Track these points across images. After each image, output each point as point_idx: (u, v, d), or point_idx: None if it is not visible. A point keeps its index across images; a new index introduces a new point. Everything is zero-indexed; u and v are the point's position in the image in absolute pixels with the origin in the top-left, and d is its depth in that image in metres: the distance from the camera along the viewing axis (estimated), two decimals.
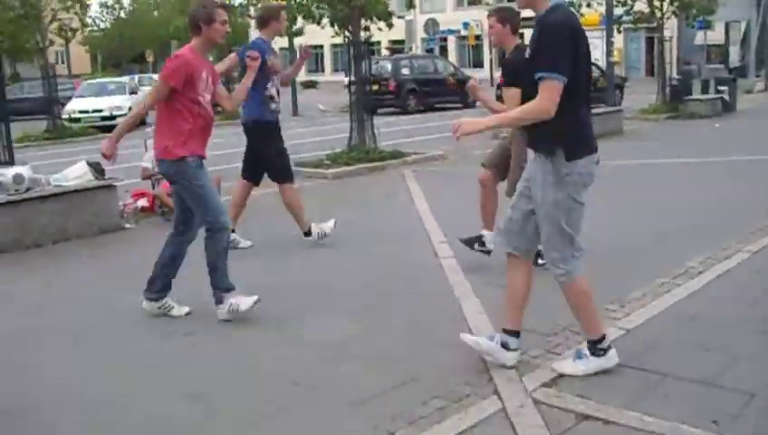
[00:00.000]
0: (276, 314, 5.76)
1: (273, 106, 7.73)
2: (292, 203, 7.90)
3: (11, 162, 9.49)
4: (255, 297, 5.60)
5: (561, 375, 4.37)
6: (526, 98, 4.33)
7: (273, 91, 7.67)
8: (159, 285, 5.83)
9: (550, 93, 4.03)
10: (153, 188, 9.97)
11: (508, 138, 6.83)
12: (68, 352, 5.26)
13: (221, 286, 5.67)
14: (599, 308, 5.15)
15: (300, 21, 14.58)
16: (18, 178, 8.50)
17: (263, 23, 7.76)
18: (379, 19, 14.55)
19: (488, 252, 6.75)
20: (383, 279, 6.61)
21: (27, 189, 8.56)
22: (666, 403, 3.97)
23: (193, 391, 4.50)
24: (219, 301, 5.66)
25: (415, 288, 6.34)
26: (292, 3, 14.88)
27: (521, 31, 6.58)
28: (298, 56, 8.47)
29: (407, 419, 3.96)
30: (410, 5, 15.37)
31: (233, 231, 7.52)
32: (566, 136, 4.18)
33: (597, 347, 4.40)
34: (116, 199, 9.40)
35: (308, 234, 7.91)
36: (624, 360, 4.49)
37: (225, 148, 13.91)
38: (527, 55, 4.33)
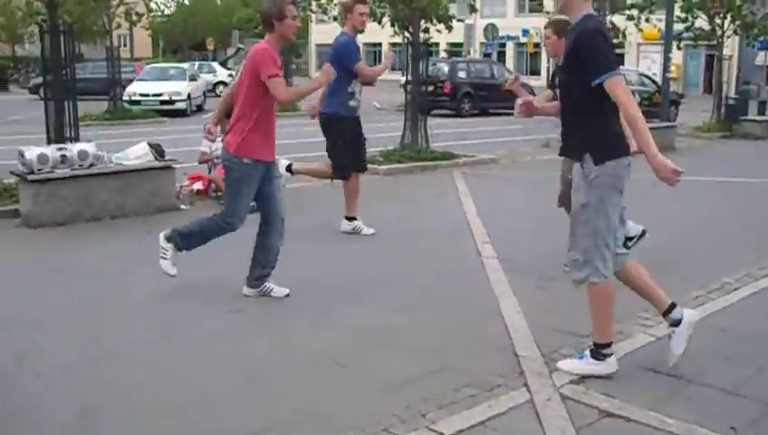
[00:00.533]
0: (321, 301, 6.04)
1: (353, 103, 8.05)
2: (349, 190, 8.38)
3: (76, 138, 9.85)
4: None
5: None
6: (562, 102, 4.56)
7: (355, 88, 8.01)
8: (257, 274, 6.12)
9: (623, 89, 4.23)
10: (209, 172, 10.30)
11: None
12: (125, 322, 5.58)
13: (178, 240, 6.15)
14: (632, 315, 5.38)
15: None
16: (83, 154, 8.88)
17: (343, 15, 8.18)
18: (440, 21, 14.75)
19: None
20: (426, 274, 6.84)
21: (90, 165, 8.94)
22: (687, 407, 4.14)
23: (236, 366, 4.77)
24: (167, 239, 6.17)
25: (456, 284, 6.55)
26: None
27: None
28: (383, 58, 8.75)
29: (438, 402, 4.20)
30: (473, 9, 15.54)
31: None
32: (593, 141, 4.40)
33: (600, 351, 4.57)
34: (173, 181, 9.76)
35: (350, 219, 8.32)
36: (652, 365, 4.70)
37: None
38: (562, 61, 4.54)
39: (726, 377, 4.49)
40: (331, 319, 5.63)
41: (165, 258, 6.17)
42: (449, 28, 15.23)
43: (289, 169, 8.54)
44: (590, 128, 4.42)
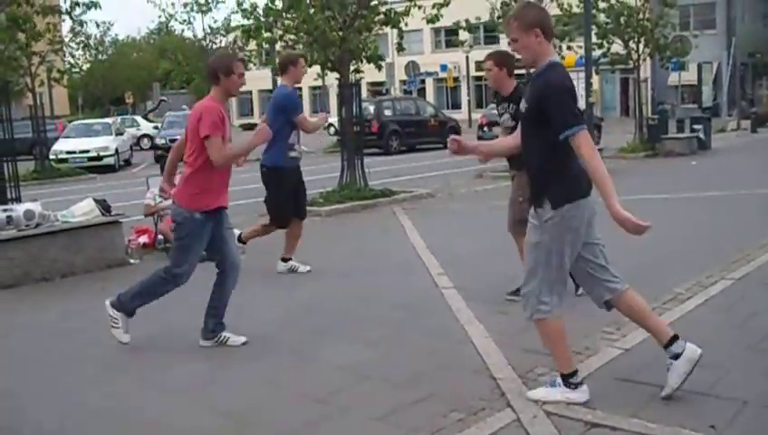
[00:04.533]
0: (292, 340, 6.12)
1: (293, 154, 8.26)
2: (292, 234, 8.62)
3: (18, 199, 9.75)
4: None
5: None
6: (524, 150, 4.67)
7: (294, 139, 8.22)
8: (212, 325, 6.07)
9: (587, 144, 4.28)
10: (156, 224, 10.27)
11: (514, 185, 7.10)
12: (101, 376, 5.56)
13: (125, 305, 6.07)
14: (596, 330, 5.58)
15: None
16: (29, 214, 8.79)
17: (282, 70, 8.29)
18: (369, 62, 15.00)
19: None
20: (390, 308, 6.95)
21: (37, 225, 8.85)
22: (666, 411, 4.33)
23: (224, 409, 4.82)
24: (113, 306, 6.08)
25: (421, 316, 6.68)
26: (286, 47, 15.31)
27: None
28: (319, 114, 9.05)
29: (429, 429, 4.30)
30: (400, 48, 15.83)
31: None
32: (551, 186, 4.45)
33: (569, 381, 4.62)
34: (122, 235, 9.71)
35: (286, 260, 8.54)
36: (625, 375, 4.90)
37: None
38: (523, 108, 4.60)
39: (698, 381, 4.68)
40: (305, 358, 5.69)
41: (116, 327, 6.07)
42: (379, 68, 15.48)
43: (239, 239, 8.52)
44: (548, 172, 4.46)
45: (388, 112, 29.53)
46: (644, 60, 22.93)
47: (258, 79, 40.84)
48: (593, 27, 20.83)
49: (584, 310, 4.97)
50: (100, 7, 19.64)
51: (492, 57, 6.95)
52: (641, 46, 22.20)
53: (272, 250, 8.81)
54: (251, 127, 50.61)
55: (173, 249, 6.15)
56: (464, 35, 32.59)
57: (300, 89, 47.27)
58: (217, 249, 6.03)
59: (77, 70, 47.52)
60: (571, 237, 4.47)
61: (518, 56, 4.84)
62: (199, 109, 5.88)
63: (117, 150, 27.21)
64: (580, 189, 4.46)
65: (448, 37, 55.82)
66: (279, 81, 8.58)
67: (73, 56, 35.16)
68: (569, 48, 21.39)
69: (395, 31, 15.28)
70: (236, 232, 8.49)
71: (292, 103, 8.15)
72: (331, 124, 41.78)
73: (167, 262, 6.19)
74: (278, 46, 16.46)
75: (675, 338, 4.57)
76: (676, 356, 4.52)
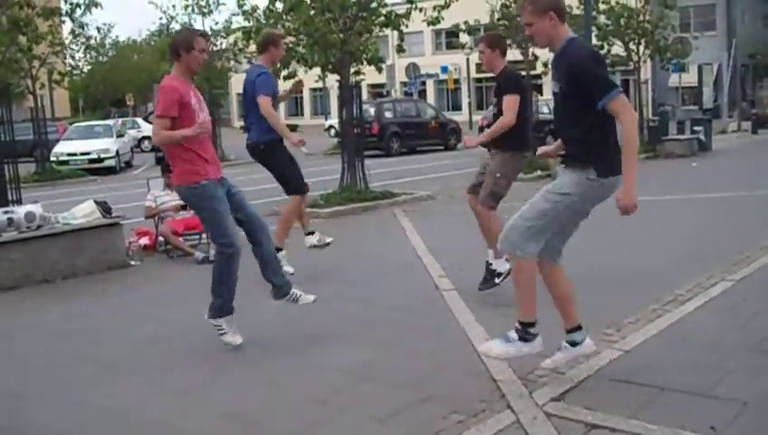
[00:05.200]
0: (293, 342, 6.14)
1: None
2: (290, 214, 8.42)
3: (19, 201, 9.76)
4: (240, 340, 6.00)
5: (564, 392, 4.70)
6: (565, 132, 4.80)
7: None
8: (279, 282, 6.27)
9: (623, 107, 4.44)
10: (156, 226, 10.28)
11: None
12: (102, 377, 5.57)
13: (218, 310, 6.02)
14: (596, 332, 5.57)
15: (293, 65, 14.98)
16: (30, 216, 8.80)
17: (262, 48, 8.24)
18: (369, 64, 15.01)
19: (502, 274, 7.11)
20: (390, 310, 6.95)
21: (38, 227, 8.86)
22: (666, 413, 4.33)
23: (224, 410, 4.83)
24: (211, 317, 6.01)
25: (421, 318, 6.69)
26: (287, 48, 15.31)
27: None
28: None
29: (429, 430, 4.31)
30: (400, 50, 15.85)
31: (314, 232, 8.50)
32: (595, 158, 4.57)
33: (527, 331, 4.78)
34: (122, 237, 9.72)
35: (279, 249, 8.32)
36: (624, 377, 4.90)
37: None
38: (556, 89, 4.71)
39: (697, 382, 4.70)
40: (306, 360, 5.70)
41: (224, 333, 5.98)
42: (379, 69, 15.50)
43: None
44: (590, 145, 4.57)
45: (388, 114, 29.53)
46: (644, 61, 22.97)
47: None
48: (593, 29, 20.86)
49: (584, 312, 4.97)
50: (102, 7, 19.61)
51: (484, 39, 7.16)
52: (641, 48, 22.24)
53: None
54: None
55: (206, 226, 6.13)
56: (464, 38, 32.57)
57: (301, 91, 47.27)
58: (237, 210, 6.03)
59: (78, 72, 47.56)
60: (591, 206, 4.72)
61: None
62: (160, 88, 5.88)
63: (118, 152, 27.23)
64: (619, 166, 4.57)
65: (449, 39, 55.81)
66: (254, 60, 8.48)
67: (74, 58, 35.07)
68: None
69: (395, 32, 15.29)
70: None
71: (262, 84, 7.93)
72: (331, 126, 41.91)
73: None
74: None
75: (579, 327, 4.87)
76: (574, 344, 4.87)
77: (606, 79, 4.50)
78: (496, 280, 7.16)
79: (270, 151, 8.19)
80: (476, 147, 7.53)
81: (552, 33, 4.60)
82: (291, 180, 8.34)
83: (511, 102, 6.84)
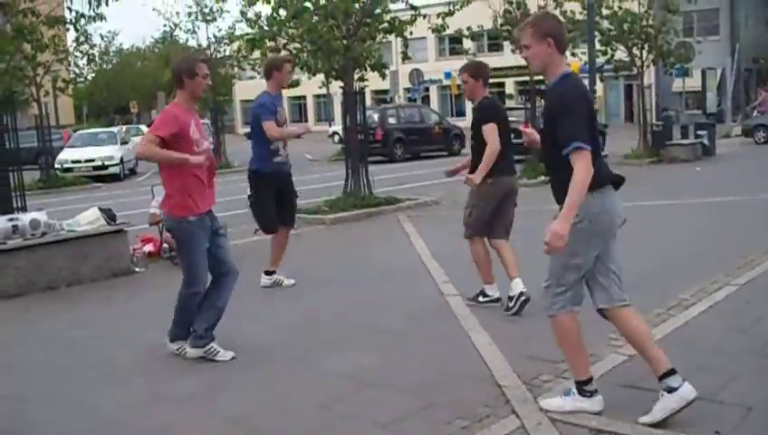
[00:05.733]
0: (297, 349, 6.14)
1: (278, 159, 8.18)
2: (276, 245, 8.44)
3: (24, 208, 9.78)
4: (232, 353, 5.95)
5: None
6: (548, 162, 4.66)
7: (278, 145, 8.15)
8: (201, 329, 6.01)
9: (581, 165, 4.20)
10: (161, 233, 10.29)
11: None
12: (106, 384, 5.58)
13: (175, 335, 6.05)
14: (601, 337, 5.56)
15: (297, 71, 15.00)
16: (34, 223, 8.82)
17: (266, 76, 8.27)
18: (373, 70, 15.03)
19: (496, 299, 7.07)
20: (395, 316, 6.96)
21: (43, 234, 8.88)
22: (671, 418, 4.32)
23: (227, 416, 4.83)
24: (195, 347, 5.99)
25: (426, 323, 6.69)
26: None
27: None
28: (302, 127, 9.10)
29: None
30: (406, 57, 15.88)
31: (274, 272, 8.27)
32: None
33: (583, 388, 4.57)
34: (127, 244, 9.73)
35: (269, 273, 8.35)
36: (629, 382, 4.91)
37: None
38: (543, 120, 4.59)
39: (701, 387, 4.67)
40: (311, 366, 5.70)
41: (216, 353, 5.94)
42: (383, 76, 15.52)
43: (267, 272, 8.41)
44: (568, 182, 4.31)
45: (392, 120, 29.53)
46: (648, 66, 22.94)
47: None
48: (597, 34, 20.86)
49: (588, 317, 4.96)
50: (106, 19, 19.68)
51: (467, 69, 7.07)
52: (645, 53, 22.21)
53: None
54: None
55: (180, 263, 6.07)
56: (467, 43, 32.59)
57: (304, 97, 47.56)
58: (212, 254, 5.98)
59: (82, 79, 47.68)
60: (596, 241, 4.57)
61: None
62: (161, 111, 5.96)
63: (122, 159, 27.27)
64: (608, 174, 4.52)
65: (452, 45, 55.84)
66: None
67: (78, 66, 35.15)
68: (573, 55, 21.40)
69: (399, 39, 15.30)
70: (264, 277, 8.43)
71: (264, 109, 7.99)
72: (335, 132, 41.91)
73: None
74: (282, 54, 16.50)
75: (672, 371, 4.38)
76: (671, 390, 4.33)
77: (577, 126, 4.24)
78: (480, 298, 7.13)
79: (254, 181, 8.34)
80: (482, 182, 7.21)
81: (548, 60, 4.43)
82: (259, 218, 8.43)
83: (489, 130, 6.78)
